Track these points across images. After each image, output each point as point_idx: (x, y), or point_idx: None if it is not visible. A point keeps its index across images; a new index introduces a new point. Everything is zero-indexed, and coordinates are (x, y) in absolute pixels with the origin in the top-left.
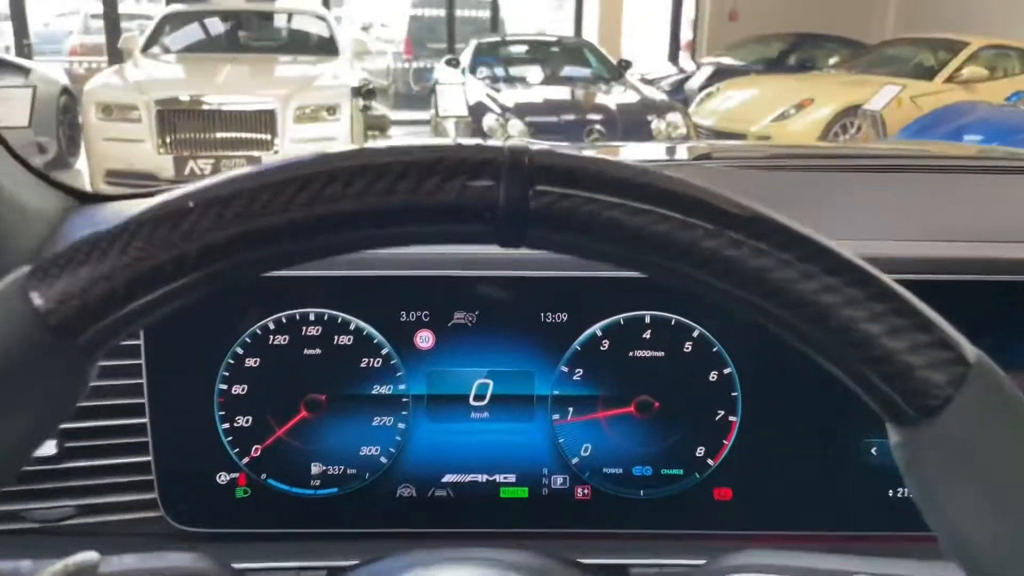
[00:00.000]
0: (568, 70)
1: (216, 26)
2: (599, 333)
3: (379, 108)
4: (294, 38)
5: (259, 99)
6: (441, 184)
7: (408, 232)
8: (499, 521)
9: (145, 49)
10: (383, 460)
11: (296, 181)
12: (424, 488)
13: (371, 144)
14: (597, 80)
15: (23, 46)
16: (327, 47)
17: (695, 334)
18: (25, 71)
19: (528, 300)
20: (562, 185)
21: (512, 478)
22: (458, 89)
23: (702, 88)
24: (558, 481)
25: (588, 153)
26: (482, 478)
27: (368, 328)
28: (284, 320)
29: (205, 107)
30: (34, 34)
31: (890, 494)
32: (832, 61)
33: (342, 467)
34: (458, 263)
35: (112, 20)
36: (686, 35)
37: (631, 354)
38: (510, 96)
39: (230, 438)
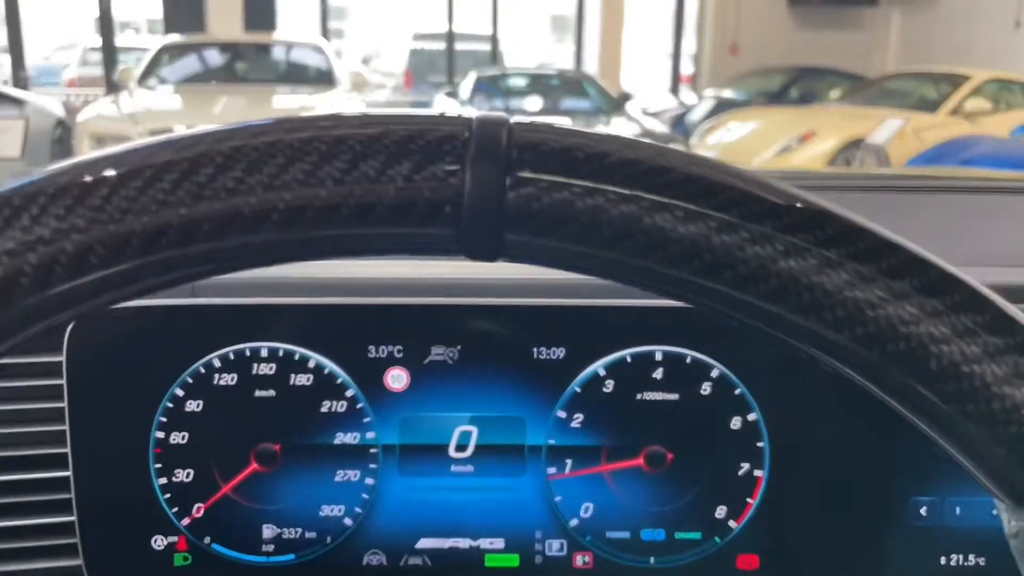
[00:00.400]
0: (568, 103)
1: (214, 57)
2: (602, 372)
3: None
4: (292, 69)
5: None
6: (382, 169)
7: (336, 238)
8: None
9: (142, 80)
10: (348, 522)
11: (170, 167)
12: (396, 555)
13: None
14: (597, 112)
15: (20, 78)
16: (325, 78)
17: (714, 374)
18: (20, 103)
19: (518, 333)
20: (553, 170)
21: (500, 543)
22: None
23: (703, 121)
24: (554, 547)
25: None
26: (464, 543)
27: (330, 366)
28: (232, 356)
29: None
30: (34, 67)
31: (943, 562)
32: (834, 94)
33: (299, 530)
34: (436, 289)
35: (109, 52)
36: (687, 68)
37: (639, 397)
38: None
39: (168, 495)
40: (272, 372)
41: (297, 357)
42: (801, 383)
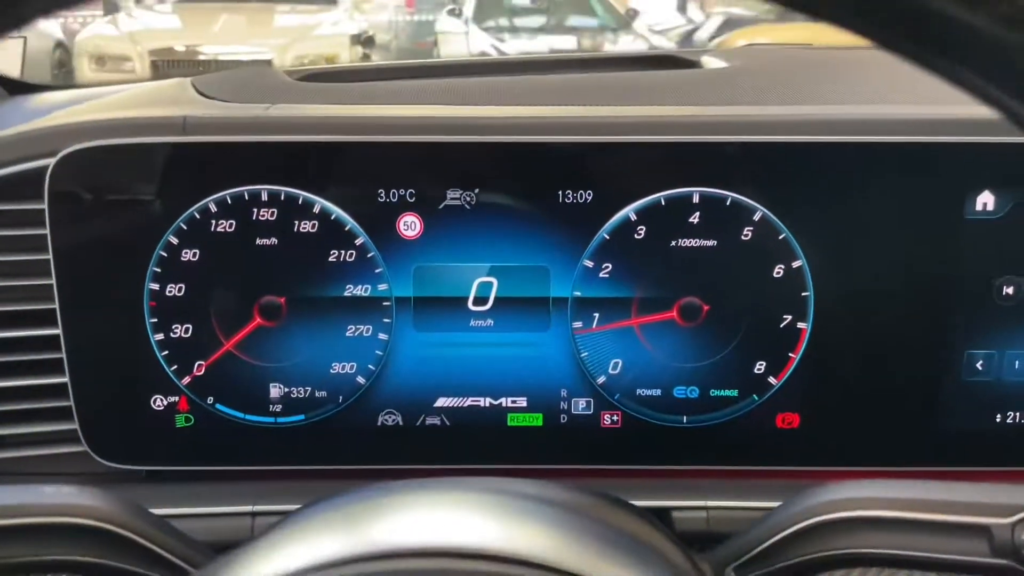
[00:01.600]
0: (574, 20)
1: None
2: (633, 217)
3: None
4: None
5: (256, 49)
6: None
7: None
8: (506, 455)
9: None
10: (360, 380)
11: None
12: (412, 415)
13: None
14: (604, 30)
15: None
16: None
17: (756, 217)
18: None
19: (542, 174)
20: None
21: (522, 402)
22: (461, 39)
23: (711, 39)
24: (580, 405)
25: None
26: (485, 402)
27: (337, 211)
28: (229, 201)
29: (201, 57)
30: None
31: (998, 419)
32: None
33: (309, 389)
34: (451, 127)
35: None
36: None
37: (674, 244)
38: (513, 46)
39: (166, 352)
40: (273, 218)
41: (301, 202)
42: (851, 227)
